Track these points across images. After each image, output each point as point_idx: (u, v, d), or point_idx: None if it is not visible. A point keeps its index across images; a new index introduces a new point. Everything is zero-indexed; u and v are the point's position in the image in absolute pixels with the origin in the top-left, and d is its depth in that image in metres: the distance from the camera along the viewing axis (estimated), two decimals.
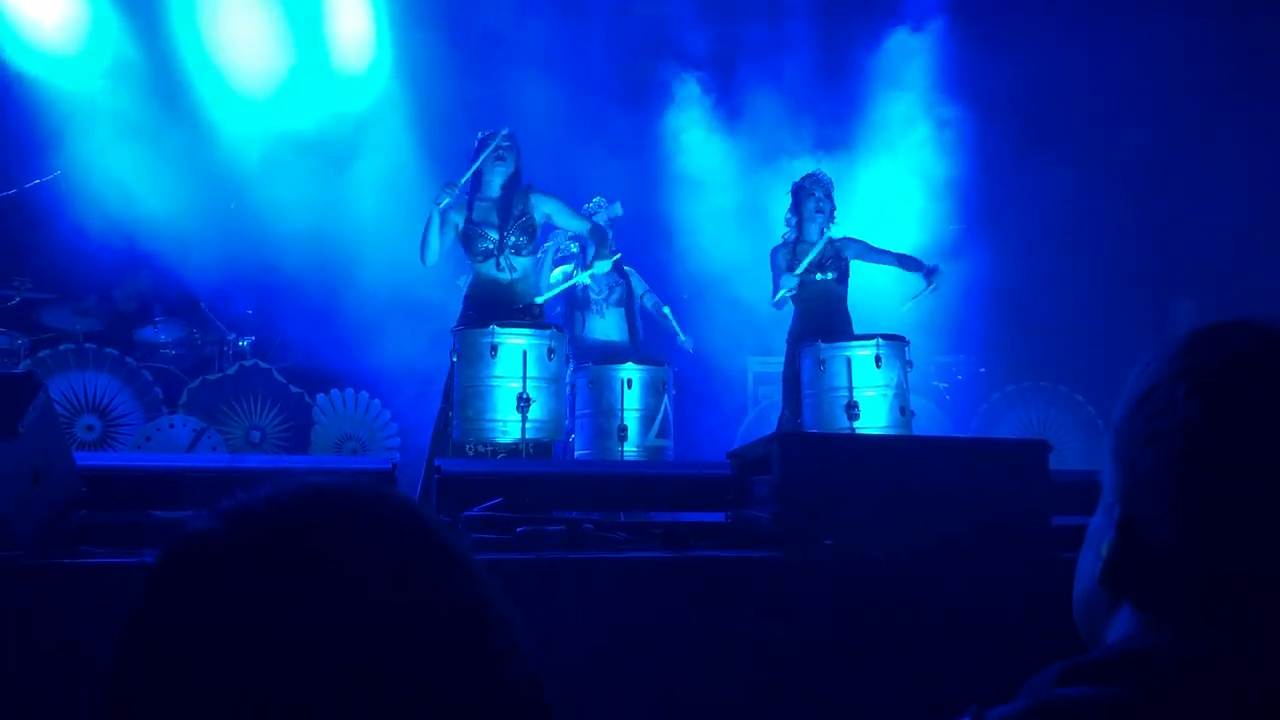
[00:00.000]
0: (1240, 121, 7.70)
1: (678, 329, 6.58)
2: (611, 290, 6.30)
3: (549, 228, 5.75)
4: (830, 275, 5.94)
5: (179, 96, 7.37)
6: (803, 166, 6.80)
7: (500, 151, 5.45)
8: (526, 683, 0.71)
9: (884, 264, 6.09)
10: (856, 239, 6.08)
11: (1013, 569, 2.73)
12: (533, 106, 7.49)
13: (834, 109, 8.46)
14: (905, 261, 6.01)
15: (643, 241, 7.49)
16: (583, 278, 5.92)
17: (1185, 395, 0.78)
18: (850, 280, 6.05)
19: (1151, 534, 0.80)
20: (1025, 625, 2.49)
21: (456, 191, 5.35)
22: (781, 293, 5.90)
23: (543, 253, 6.32)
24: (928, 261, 5.96)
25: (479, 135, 5.57)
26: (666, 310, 6.63)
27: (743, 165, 8.39)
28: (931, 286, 5.92)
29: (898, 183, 8.24)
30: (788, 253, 6.00)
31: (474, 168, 5.39)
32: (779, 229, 6.20)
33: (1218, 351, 0.80)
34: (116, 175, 6.95)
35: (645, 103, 8.39)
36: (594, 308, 6.26)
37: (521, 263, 5.45)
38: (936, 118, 8.30)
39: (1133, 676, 0.74)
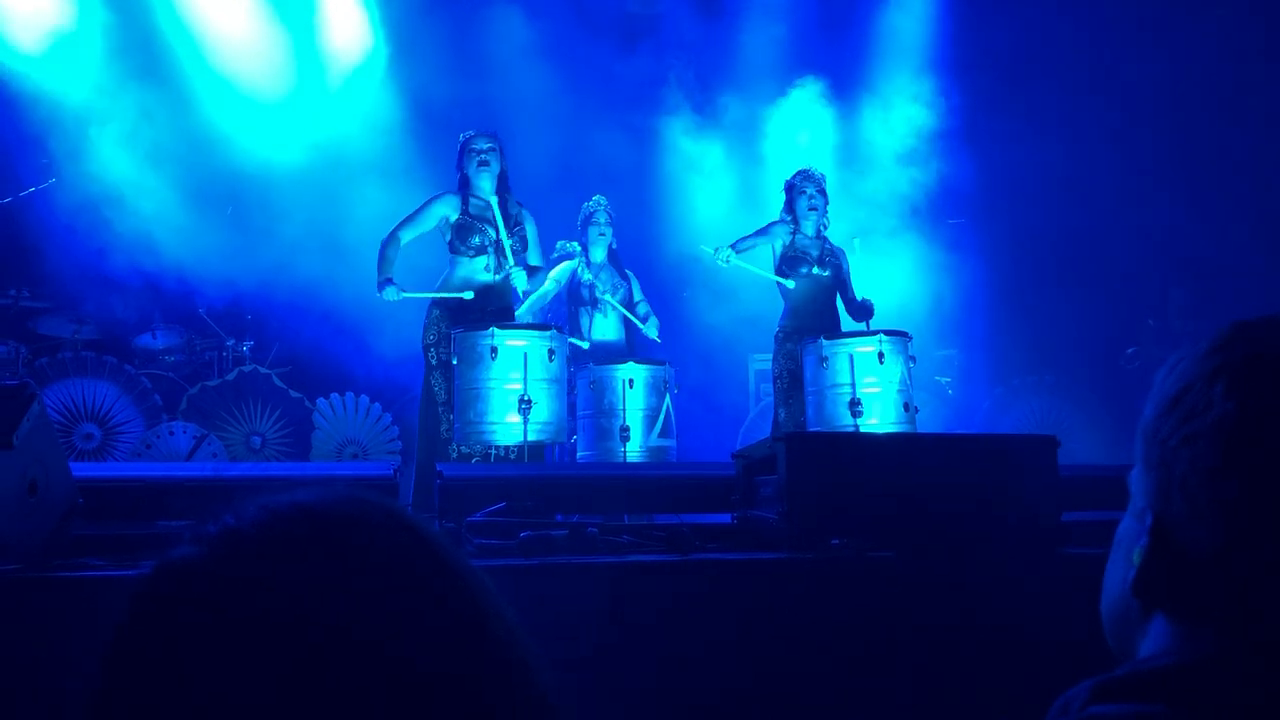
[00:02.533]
0: (1241, 110, 7.67)
1: (655, 334, 6.41)
2: (616, 290, 6.26)
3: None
4: (826, 272, 5.90)
5: (176, 102, 7.33)
6: (798, 158, 6.78)
7: (483, 156, 5.42)
8: (535, 692, 0.68)
9: (841, 294, 6.01)
10: (847, 261, 6.06)
11: (1023, 566, 2.70)
12: (526, 103, 7.47)
13: (832, 89, 8.42)
14: (854, 308, 5.94)
15: (640, 238, 7.45)
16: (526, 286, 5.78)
17: (1222, 394, 0.75)
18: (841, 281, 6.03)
19: (1187, 539, 0.76)
20: (1038, 622, 2.47)
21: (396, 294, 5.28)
22: (771, 277, 5.85)
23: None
24: (870, 317, 5.84)
25: (461, 137, 5.55)
26: (654, 322, 6.48)
27: (740, 161, 8.35)
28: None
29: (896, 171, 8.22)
30: (787, 238, 5.93)
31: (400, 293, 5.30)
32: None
33: (1253, 348, 0.76)
34: (113, 182, 6.92)
35: (640, 97, 8.34)
36: (600, 307, 6.21)
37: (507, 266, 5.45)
38: (932, 103, 8.27)
39: (1172, 691, 0.70)
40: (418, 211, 5.44)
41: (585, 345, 6.12)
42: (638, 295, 6.46)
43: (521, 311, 5.93)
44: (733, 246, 5.83)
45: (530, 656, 0.68)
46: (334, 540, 0.65)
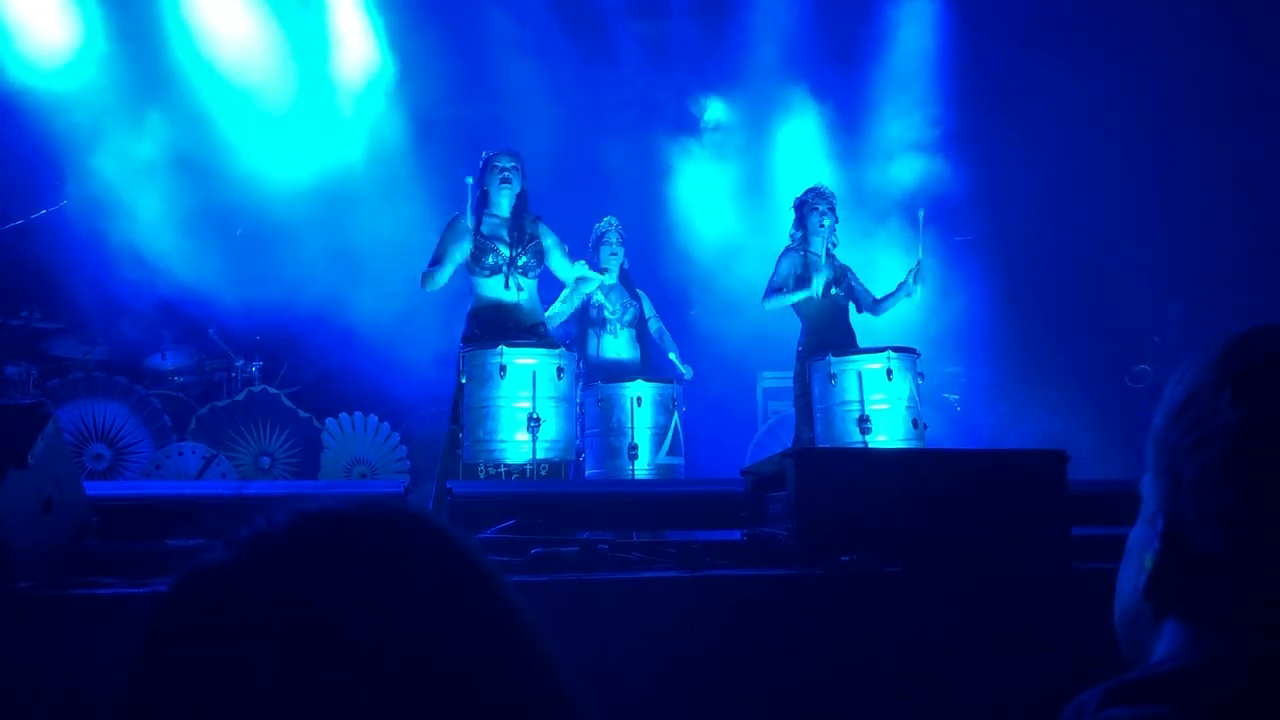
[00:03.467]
0: (1236, 121, 7.69)
1: (676, 360, 6.50)
2: (625, 310, 6.28)
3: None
4: (839, 292, 5.94)
5: (186, 123, 7.38)
6: (810, 175, 6.81)
7: (506, 174, 5.45)
8: (558, 685, 0.69)
9: (858, 301, 6.05)
10: (855, 276, 6.10)
11: (1033, 581, 2.70)
12: (538, 126, 7.50)
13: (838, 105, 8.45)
14: (888, 298, 5.98)
15: (651, 257, 7.48)
16: (585, 289, 5.88)
17: (1230, 400, 0.76)
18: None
19: (1197, 543, 0.77)
20: (1047, 638, 2.46)
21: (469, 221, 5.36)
22: (796, 297, 5.87)
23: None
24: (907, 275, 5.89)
25: (484, 154, 5.58)
26: (670, 343, 6.57)
27: (747, 176, 8.38)
28: (916, 274, 5.85)
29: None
30: (798, 260, 5.97)
31: (469, 208, 5.40)
32: (784, 242, 6.18)
33: (1260, 355, 0.78)
34: (123, 203, 6.97)
35: (646, 113, 8.39)
36: (608, 327, 6.23)
37: (528, 284, 5.43)
38: (935, 121, 8.30)
39: (1185, 694, 0.71)
40: (441, 243, 5.44)
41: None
42: (649, 312, 6.49)
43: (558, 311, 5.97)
44: (771, 293, 5.96)
45: (552, 652, 0.69)
46: (361, 542, 0.66)
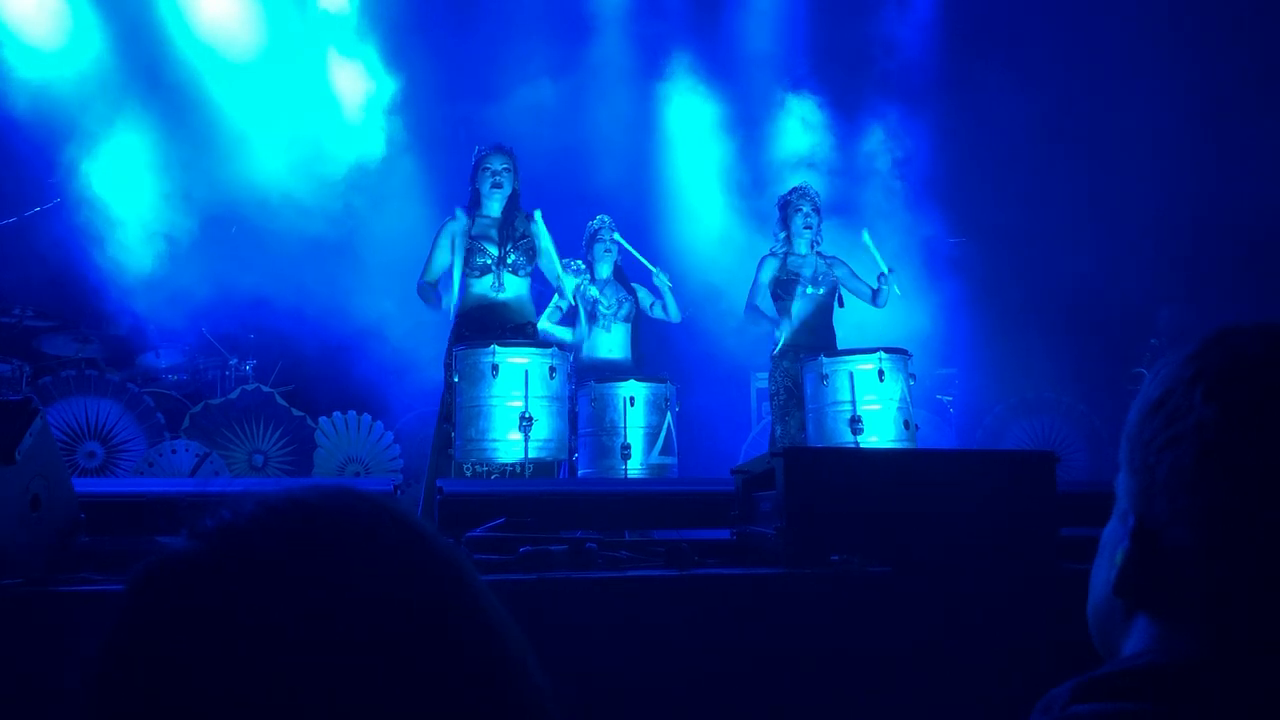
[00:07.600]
0: (1233, 125, 7.70)
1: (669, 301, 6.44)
2: (620, 305, 6.28)
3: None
4: (821, 290, 5.94)
5: (181, 121, 7.37)
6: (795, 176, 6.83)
7: (497, 178, 5.45)
8: (534, 694, 0.69)
9: (858, 294, 6.06)
10: (844, 262, 6.09)
11: (1021, 582, 2.70)
12: (532, 119, 7.50)
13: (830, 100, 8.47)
14: (876, 296, 6.00)
15: (645, 256, 7.47)
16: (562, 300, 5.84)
17: (1202, 398, 0.77)
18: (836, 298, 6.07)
19: (1168, 541, 0.78)
20: (1034, 638, 2.47)
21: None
22: (766, 325, 5.95)
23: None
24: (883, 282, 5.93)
25: (476, 151, 5.58)
26: (666, 281, 6.48)
27: (743, 177, 8.38)
28: (884, 285, 5.89)
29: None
30: (777, 265, 5.99)
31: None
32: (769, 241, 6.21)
33: (1233, 353, 0.78)
34: (116, 201, 6.96)
35: (645, 115, 8.39)
36: (601, 322, 6.23)
37: (516, 283, 5.44)
38: (928, 120, 8.31)
39: (1152, 690, 0.72)
40: (432, 249, 5.50)
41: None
42: (647, 300, 6.48)
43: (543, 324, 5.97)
44: (750, 309, 6.00)
45: (521, 645, 0.69)
46: (327, 531, 0.66)
